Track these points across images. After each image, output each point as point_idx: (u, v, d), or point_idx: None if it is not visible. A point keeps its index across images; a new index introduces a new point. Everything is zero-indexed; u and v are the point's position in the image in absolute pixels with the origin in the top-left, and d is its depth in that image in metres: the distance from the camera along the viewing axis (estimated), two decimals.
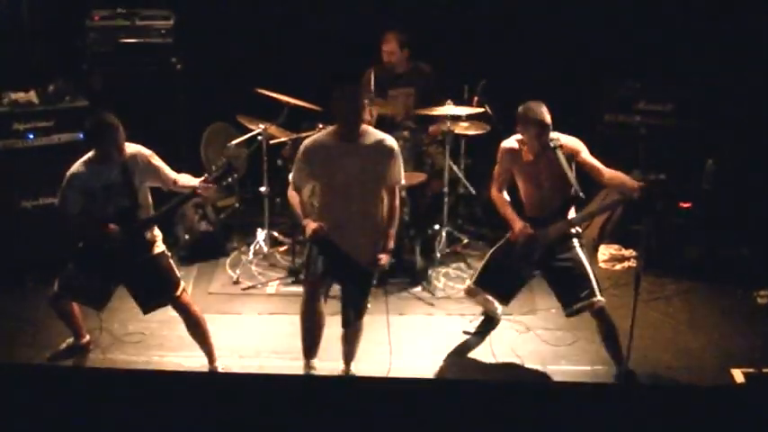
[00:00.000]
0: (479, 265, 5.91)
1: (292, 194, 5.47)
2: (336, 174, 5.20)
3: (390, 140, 5.29)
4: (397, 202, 5.39)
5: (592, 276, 5.53)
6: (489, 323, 6.25)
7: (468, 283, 5.94)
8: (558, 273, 5.62)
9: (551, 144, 5.45)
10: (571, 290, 5.56)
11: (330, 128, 5.37)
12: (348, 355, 5.61)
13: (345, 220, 5.26)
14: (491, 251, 5.84)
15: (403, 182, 5.42)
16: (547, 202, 5.60)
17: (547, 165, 5.52)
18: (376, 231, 5.33)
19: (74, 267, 5.48)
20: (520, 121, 5.51)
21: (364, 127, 5.28)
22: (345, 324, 5.50)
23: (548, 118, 5.45)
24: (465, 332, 6.27)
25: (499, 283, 5.78)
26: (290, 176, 5.46)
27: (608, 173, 5.48)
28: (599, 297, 5.49)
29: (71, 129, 6.65)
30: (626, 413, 3.50)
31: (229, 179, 5.42)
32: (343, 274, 5.40)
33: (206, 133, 7.71)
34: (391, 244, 5.38)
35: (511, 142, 5.64)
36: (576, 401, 3.59)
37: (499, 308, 6.19)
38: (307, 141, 5.35)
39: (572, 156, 5.53)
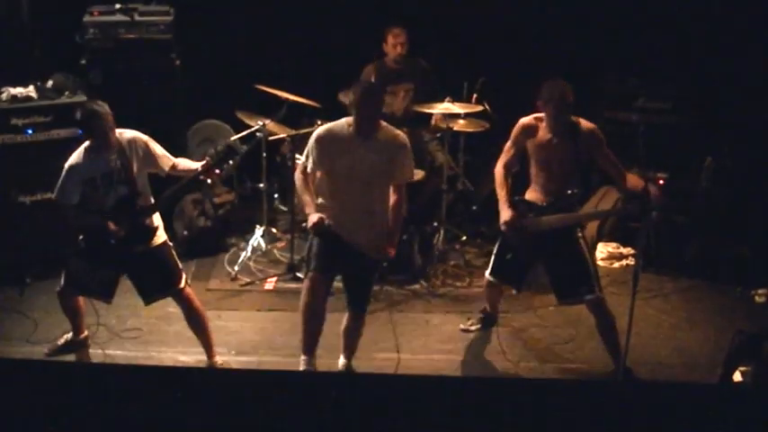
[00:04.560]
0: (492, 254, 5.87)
1: (299, 177, 5.40)
2: (346, 166, 5.19)
3: (403, 137, 5.29)
4: (404, 197, 5.38)
5: (592, 271, 5.52)
6: (488, 320, 6.25)
7: (486, 275, 5.93)
8: (557, 264, 5.60)
9: (570, 127, 5.41)
10: (569, 283, 5.56)
11: (345, 119, 5.29)
12: (349, 349, 5.61)
13: (351, 212, 5.25)
14: (498, 241, 5.79)
15: (415, 177, 5.45)
16: (553, 187, 5.53)
17: (562, 147, 5.45)
18: (380, 226, 5.33)
19: (78, 262, 5.48)
20: (541, 97, 5.42)
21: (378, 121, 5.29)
22: (349, 317, 5.51)
23: (569, 98, 5.36)
24: (463, 330, 6.27)
25: (508, 268, 5.74)
26: (302, 159, 5.41)
27: (630, 176, 5.46)
28: (597, 293, 5.49)
29: (70, 124, 6.62)
30: (623, 410, 3.50)
31: (230, 161, 5.36)
32: (346, 266, 5.38)
33: (189, 133, 7.76)
34: (396, 238, 5.41)
35: (528, 119, 5.56)
36: (573, 398, 3.59)
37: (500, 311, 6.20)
38: (321, 129, 5.34)
39: (592, 145, 5.46)
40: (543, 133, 5.49)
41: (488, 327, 6.23)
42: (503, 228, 5.55)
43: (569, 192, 5.55)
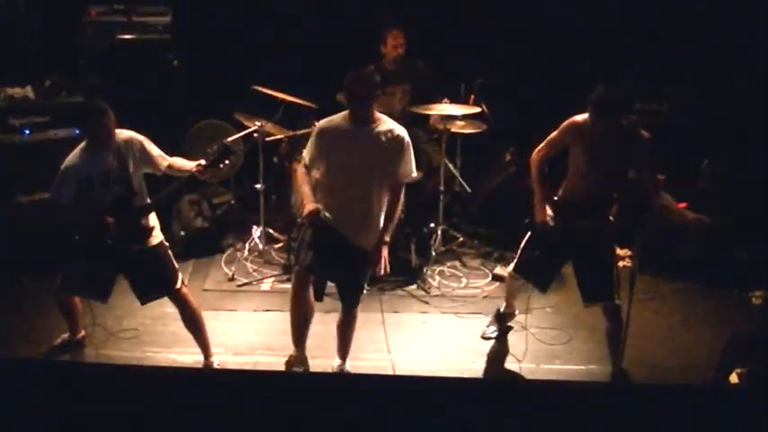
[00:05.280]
0: (517, 251, 5.74)
1: (301, 172, 5.43)
2: (343, 158, 5.20)
3: (401, 131, 5.25)
4: (401, 196, 5.35)
5: (616, 277, 5.44)
6: (503, 321, 6.17)
7: (509, 270, 5.87)
8: (587, 265, 5.49)
9: (625, 131, 5.22)
10: (595, 286, 5.46)
11: (345, 111, 5.31)
12: (343, 349, 5.61)
13: (347, 203, 5.25)
14: (526, 237, 5.66)
15: (414, 174, 5.38)
16: (593, 190, 5.34)
17: (613, 151, 5.22)
18: (376, 219, 5.31)
19: (74, 262, 5.47)
20: (587, 106, 5.22)
21: (378, 115, 5.27)
22: (341, 314, 5.53)
23: (607, 106, 5.13)
24: (483, 337, 6.17)
25: (536, 267, 5.63)
26: (303, 153, 5.45)
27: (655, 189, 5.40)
28: (617, 300, 5.42)
29: (67, 124, 6.63)
30: (620, 412, 3.50)
31: (226, 161, 5.36)
32: (339, 259, 5.36)
33: (191, 131, 7.76)
34: (387, 238, 5.34)
35: (581, 118, 5.31)
36: (570, 400, 3.59)
37: (516, 309, 6.15)
38: (322, 121, 5.39)
39: (640, 154, 5.28)
40: (594, 134, 5.26)
41: (506, 330, 6.14)
42: (537, 227, 5.44)
43: (611, 196, 5.41)
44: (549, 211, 5.46)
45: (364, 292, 5.53)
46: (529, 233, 5.63)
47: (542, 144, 5.50)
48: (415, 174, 5.38)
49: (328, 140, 5.26)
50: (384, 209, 5.32)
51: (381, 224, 5.32)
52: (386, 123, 5.25)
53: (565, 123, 5.42)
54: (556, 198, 5.50)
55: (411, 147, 5.28)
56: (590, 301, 5.54)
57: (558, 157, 5.52)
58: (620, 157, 5.25)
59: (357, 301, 5.48)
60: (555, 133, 5.46)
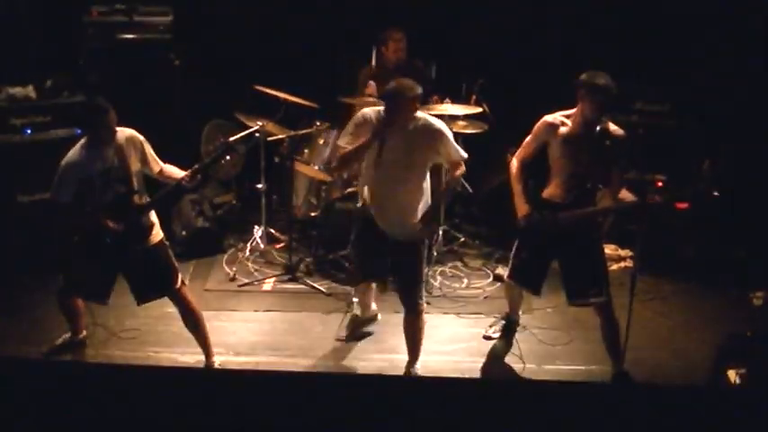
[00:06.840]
0: (509, 258, 5.74)
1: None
2: (379, 149, 5.22)
3: (437, 123, 5.31)
4: (452, 176, 5.48)
5: (604, 274, 5.43)
6: (509, 325, 6.13)
7: (505, 278, 5.89)
8: (573, 263, 5.46)
9: (601, 126, 5.23)
10: (582, 284, 5.45)
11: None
12: (411, 349, 5.66)
13: (386, 194, 5.30)
14: (515, 244, 5.65)
15: (464, 155, 5.40)
16: (574, 185, 5.33)
17: (591, 145, 5.23)
18: (415, 208, 5.34)
19: (74, 263, 5.47)
20: (584, 89, 5.20)
21: (416, 115, 5.26)
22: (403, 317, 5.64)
23: (614, 90, 5.18)
24: (485, 337, 6.18)
25: (526, 271, 5.62)
26: (340, 139, 5.48)
27: (620, 186, 5.33)
28: (606, 296, 5.41)
29: (68, 124, 6.63)
30: (621, 413, 3.50)
31: (227, 157, 5.37)
32: (391, 262, 5.46)
33: (205, 131, 7.73)
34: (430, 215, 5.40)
35: (554, 116, 5.36)
36: (571, 401, 3.60)
37: (520, 315, 6.15)
38: (365, 109, 5.43)
39: (618, 150, 5.28)
40: (571, 130, 5.29)
41: (510, 332, 6.09)
42: (520, 222, 5.42)
43: (588, 186, 5.38)
44: (528, 207, 5.42)
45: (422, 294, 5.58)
46: (517, 240, 5.63)
47: (519, 149, 5.53)
48: (464, 154, 5.41)
49: (365, 130, 5.27)
50: (420, 204, 5.36)
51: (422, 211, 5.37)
52: (419, 120, 5.27)
53: (538, 123, 5.44)
54: (534, 194, 5.48)
55: (449, 134, 5.31)
56: (574, 299, 5.53)
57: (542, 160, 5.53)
58: (599, 149, 5.24)
59: (415, 300, 5.50)
60: (530, 136, 5.49)
